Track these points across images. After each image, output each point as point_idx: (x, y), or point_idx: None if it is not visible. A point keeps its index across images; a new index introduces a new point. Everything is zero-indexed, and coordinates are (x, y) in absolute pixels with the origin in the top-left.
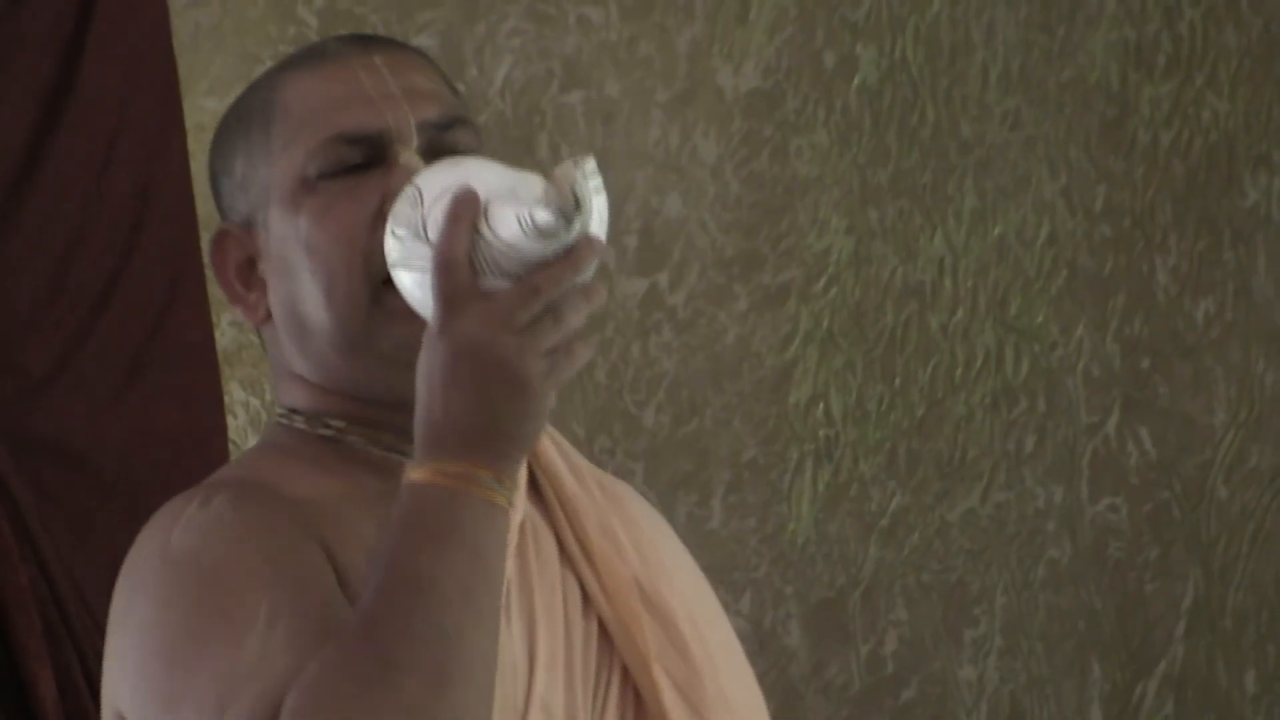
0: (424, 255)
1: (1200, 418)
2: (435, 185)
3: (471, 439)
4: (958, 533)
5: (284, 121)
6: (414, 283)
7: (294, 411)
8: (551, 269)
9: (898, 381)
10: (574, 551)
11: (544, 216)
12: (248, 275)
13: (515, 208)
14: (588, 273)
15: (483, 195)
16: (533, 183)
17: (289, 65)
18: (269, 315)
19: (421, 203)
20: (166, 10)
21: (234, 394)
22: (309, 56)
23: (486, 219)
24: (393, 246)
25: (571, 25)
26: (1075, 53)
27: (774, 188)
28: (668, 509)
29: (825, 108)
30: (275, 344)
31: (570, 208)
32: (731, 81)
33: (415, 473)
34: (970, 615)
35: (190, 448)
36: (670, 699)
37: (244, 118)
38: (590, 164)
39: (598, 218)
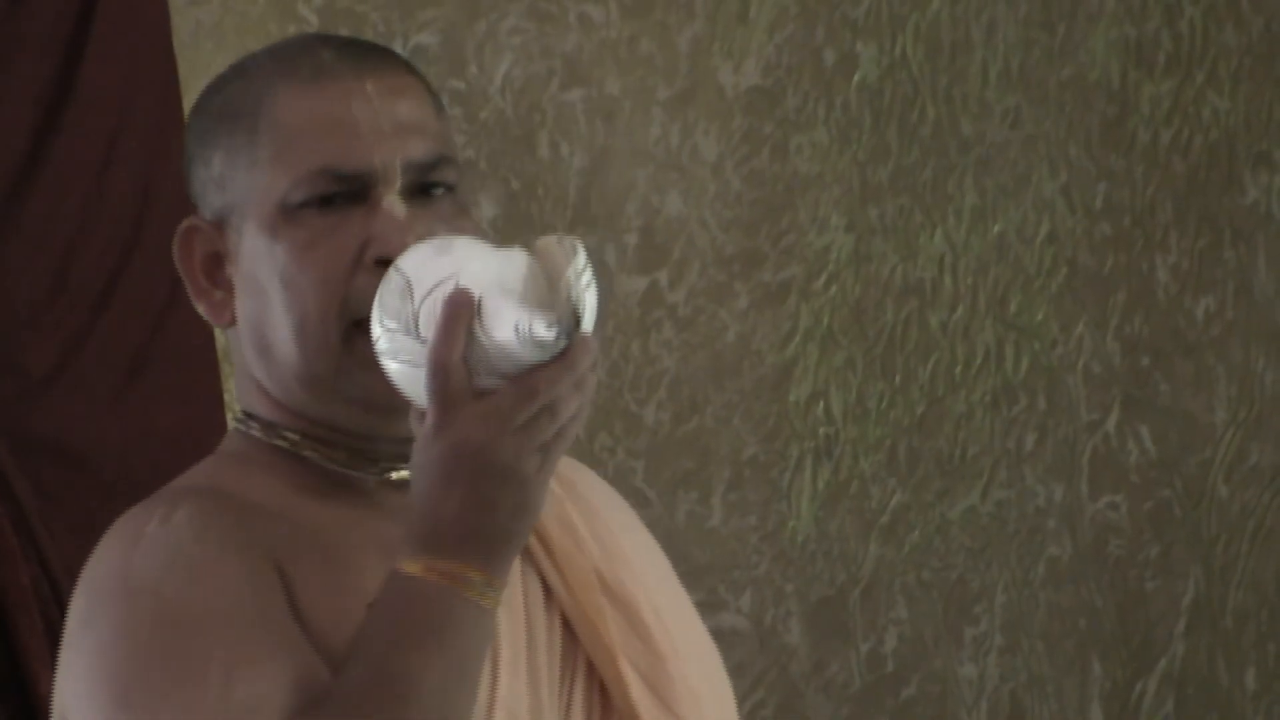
0: (414, 350)
1: (1201, 416)
2: (425, 278)
3: (466, 539)
4: (958, 530)
5: (271, 133)
6: (404, 374)
7: (251, 417)
8: (548, 371)
9: (898, 379)
10: (533, 546)
11: (541, 331)
12: (213, 271)
13: (512, 312)
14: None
15: (475, 292)
16: (518, 263)
17: (282, 69)
18: (234, 320)
19: (411, 296)
20: (167, 9)
21: (234, 392)
22: (303, 66)
23: (480, 318)
24: (380, 335)
25: (572, 23)
26: (1075, 51)
27: (774, 185)
28: (668, 507)
29: (825, 105)
30: (239, 349)
31: (566, 314)
32: (732, 79)
33: (408, 566)
34: (970, 613)
35: (190, 447)
36: (638, 692)
37: (229, 114)
38: (580, 258)
39: (590, 316)
